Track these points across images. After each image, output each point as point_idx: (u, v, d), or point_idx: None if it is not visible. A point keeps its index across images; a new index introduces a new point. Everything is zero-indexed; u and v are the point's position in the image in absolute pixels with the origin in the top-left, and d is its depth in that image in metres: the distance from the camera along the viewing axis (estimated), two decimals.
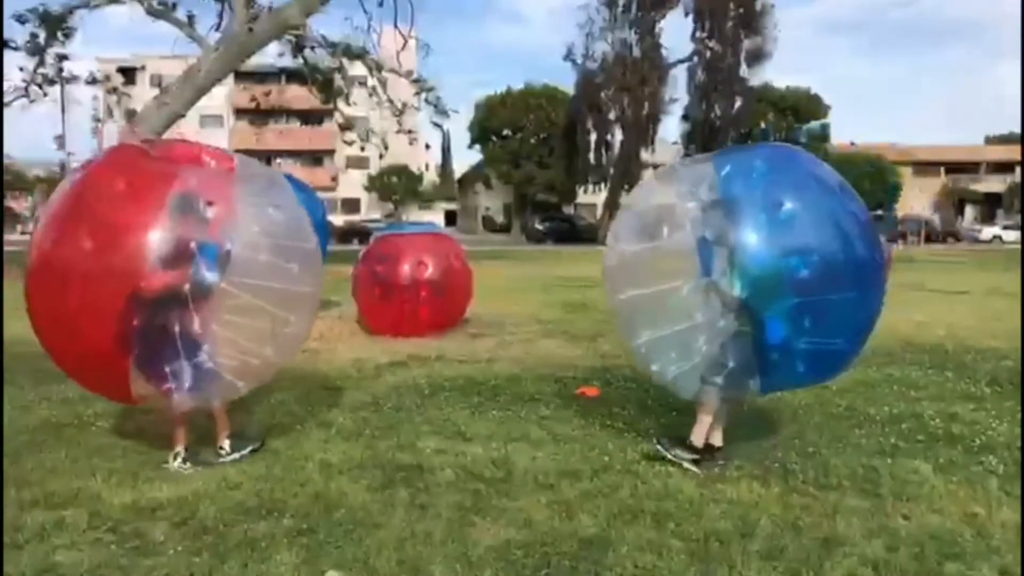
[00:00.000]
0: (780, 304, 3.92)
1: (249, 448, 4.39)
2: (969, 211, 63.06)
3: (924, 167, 66.26)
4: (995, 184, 64.89)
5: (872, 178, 60.23)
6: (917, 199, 44.92)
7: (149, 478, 3.96)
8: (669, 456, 4.19)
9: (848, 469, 4.17)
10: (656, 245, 4.28)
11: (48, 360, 6.99)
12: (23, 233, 57.65)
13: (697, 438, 4.26)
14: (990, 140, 74.30)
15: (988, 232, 51.87)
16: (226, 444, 4.35)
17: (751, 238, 3.95)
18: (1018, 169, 58.97)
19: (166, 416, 4.33)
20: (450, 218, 65.40)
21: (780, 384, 4.34)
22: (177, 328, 3.90)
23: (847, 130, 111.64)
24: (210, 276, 3.92)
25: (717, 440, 4.36)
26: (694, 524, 3.45)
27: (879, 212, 55.40)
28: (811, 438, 4.73)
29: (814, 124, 60.41)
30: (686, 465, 4.15)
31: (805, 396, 5.76)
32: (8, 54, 23.23)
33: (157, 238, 3.83)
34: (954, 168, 67.29)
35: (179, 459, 4.19)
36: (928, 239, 45.48)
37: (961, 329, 9.35)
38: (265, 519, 3.48)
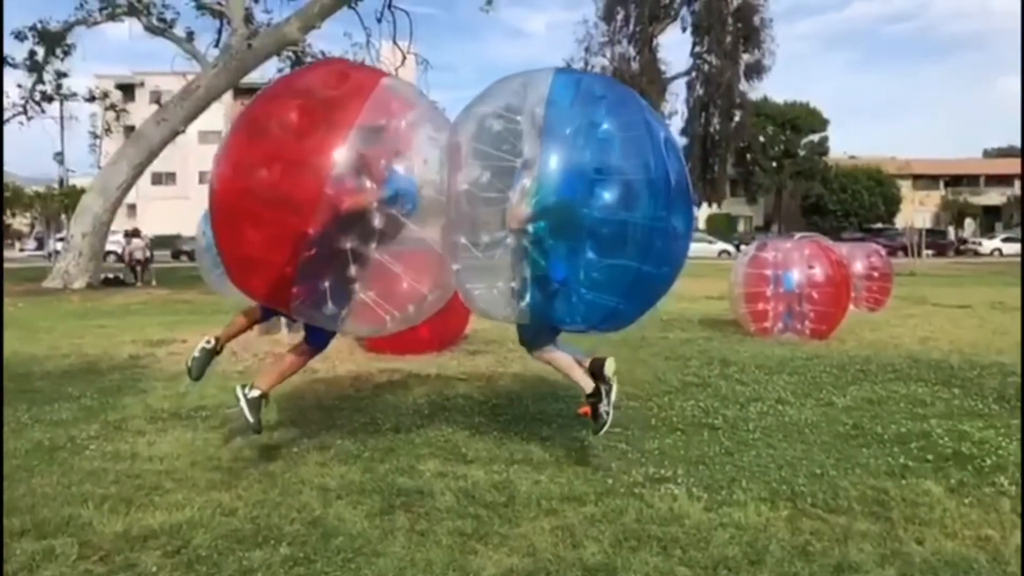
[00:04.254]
0: (568, 242, 4.07)
1: (253, 417, 4.35)
2: (968, 224, 63.14)
3: (923, 180, 66.45)
4: (994, 197, 65.06)
5: (872, 191, 60.35)
6: (918, 212, 45.03)
7: (142, 504, 3.86)
8: (609, 416, 4.34)
9: (857, 491, 4.07)
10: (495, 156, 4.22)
11: (42, 380, 6.96)
12: (21, 250, 57.60)
13: (584, 383, 4.45)
14: (988, 153, 74.55)
15: (988, 245, 51.92)
16: (254, 393, 4.38)
17: (557, 160, 4.06)
18: (1017, 182, 59.09)
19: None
20: None
21: (555, 314, 4.34)
22: (349, 247, 4.04)
23: (846, 144, 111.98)
24: (393, 207, 4.13)
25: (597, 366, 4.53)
26: (702, 550, 3.35)
27: (879, 226, 55.44)
28: (818, 458, 4.63)
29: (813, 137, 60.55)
30: (614, 401, 4.38)
31: (811, 415, 5.69)
32: (6, 71, 23.32)
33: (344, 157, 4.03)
34: (953, 181, 67.52)
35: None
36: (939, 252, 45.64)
37: (965, 344, 9.28)
38: (261, 547, 3.38)
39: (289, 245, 4.02)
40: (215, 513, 3.74)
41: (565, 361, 4.55)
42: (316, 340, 4.64)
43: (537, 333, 4.51)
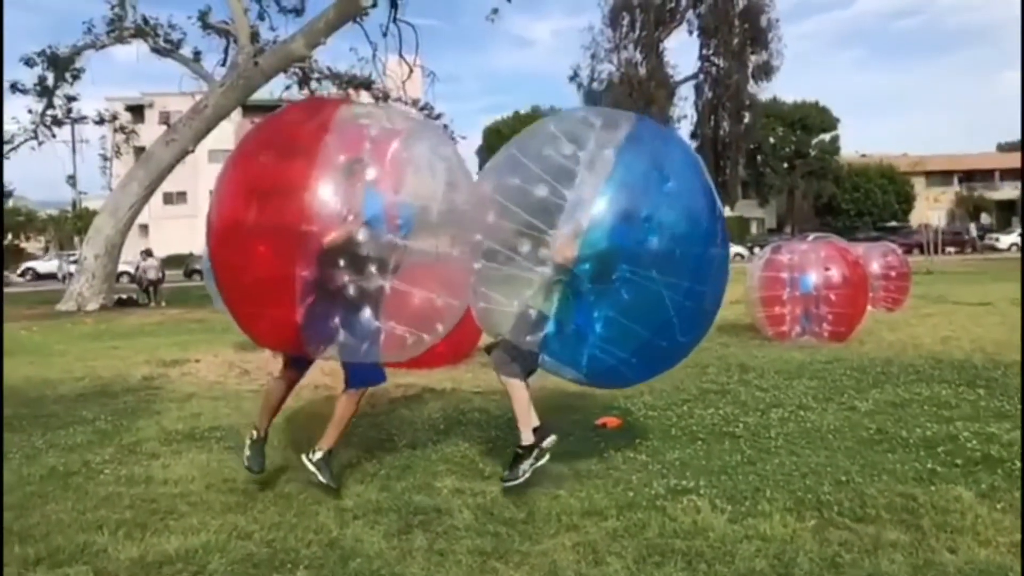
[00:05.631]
0: (602, 289, 3.98)
1: (326, 478, 4.23)
2: (984, 219, 62.63)
3: (937, 176, 66.00)
4: (1009, 191, 64.51)
5: (885, 189, 59.94)
6: (932, 209, 44.58)
7: (157, 529, 3.81)
8: (525, 477, 4.11)
9: (885, 499, 3.97)
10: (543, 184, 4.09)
11: (56, 404, 6.94)
12: (39, 274, 57.92)
13: (526, 433, 4.22)
14: (1003, 147, 73.93)
15: (1006, 240, 51.33)
16: (318, 454, 4.26)
17: (617, 207, 3.99)
18: None
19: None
20: None
21: (560, 354, 4.18)
22: (347, 280, 3.94)
23: (856, 142, 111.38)
24: (381, 232, 4.00)
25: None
26: (728, 564, 3.27)
27: (893, 224, 55.00)
28: (843, 465, 4.53)
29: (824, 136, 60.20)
30: (539, 465, 4.16)
31: (833, 420, 5.59)
32: (16, 96, 23.51)
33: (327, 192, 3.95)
34: (967, 176, 67.02)
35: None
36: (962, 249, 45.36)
37: (988, 343, 9.14)
38: (277, 571, 3.32)
39: (286, 289, 3.92)
40: (231, 537, 3.68)
41: (524, 399, 4.30)
42: (358, 380, 4.39)
43: (517, 358, 4.27)
